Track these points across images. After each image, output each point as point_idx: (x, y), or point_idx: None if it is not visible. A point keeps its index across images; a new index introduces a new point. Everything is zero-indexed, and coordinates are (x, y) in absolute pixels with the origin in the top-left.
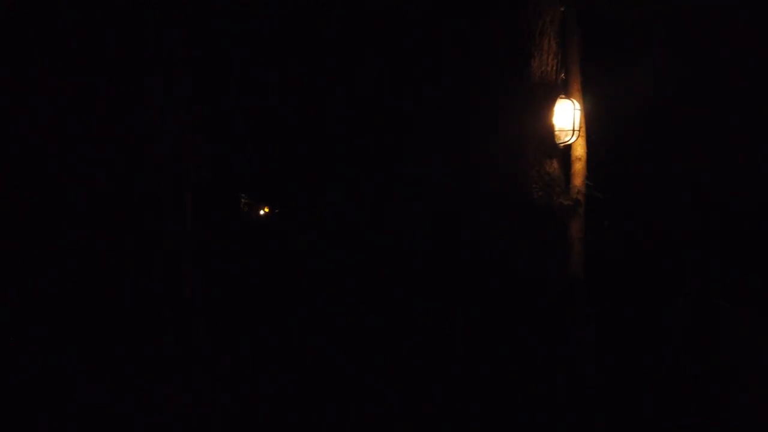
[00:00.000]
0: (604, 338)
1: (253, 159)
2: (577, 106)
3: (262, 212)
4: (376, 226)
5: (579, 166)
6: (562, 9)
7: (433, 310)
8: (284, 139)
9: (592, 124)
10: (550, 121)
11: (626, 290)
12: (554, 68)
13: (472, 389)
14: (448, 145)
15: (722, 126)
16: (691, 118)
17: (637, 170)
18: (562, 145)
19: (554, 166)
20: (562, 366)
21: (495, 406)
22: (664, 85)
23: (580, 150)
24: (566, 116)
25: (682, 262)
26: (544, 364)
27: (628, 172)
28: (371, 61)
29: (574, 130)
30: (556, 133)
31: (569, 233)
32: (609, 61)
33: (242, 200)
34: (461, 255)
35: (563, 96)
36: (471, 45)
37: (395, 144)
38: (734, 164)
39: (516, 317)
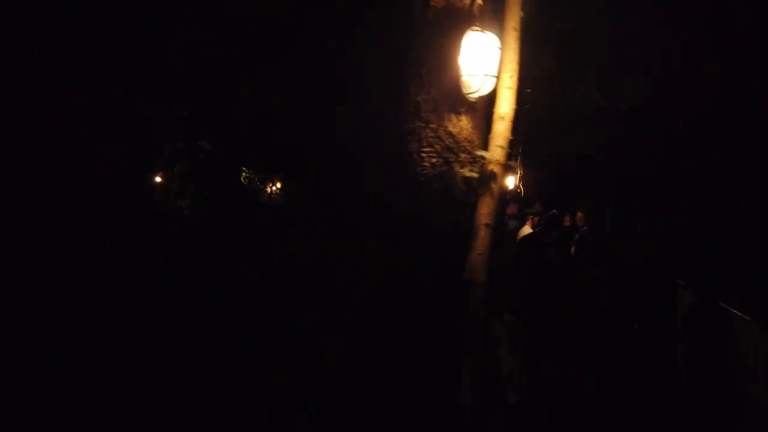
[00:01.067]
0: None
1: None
2: (497, 42)
3: (273, 188)
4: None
5: (501, 127)
6: None
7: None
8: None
9: (532, 74)
10: (455, 62)
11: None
12: None
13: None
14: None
15: None
16: None
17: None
18: (473, 96)
19: (462, 124)
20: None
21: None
22: None
23: (505, 105)
24: (481, 56)
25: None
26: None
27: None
28: None
29: (487, 76)
30: (464, 79)
31: (475, 216)
32: None
33: (244, 173)
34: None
35: (477, 27)
36: None
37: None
38: None
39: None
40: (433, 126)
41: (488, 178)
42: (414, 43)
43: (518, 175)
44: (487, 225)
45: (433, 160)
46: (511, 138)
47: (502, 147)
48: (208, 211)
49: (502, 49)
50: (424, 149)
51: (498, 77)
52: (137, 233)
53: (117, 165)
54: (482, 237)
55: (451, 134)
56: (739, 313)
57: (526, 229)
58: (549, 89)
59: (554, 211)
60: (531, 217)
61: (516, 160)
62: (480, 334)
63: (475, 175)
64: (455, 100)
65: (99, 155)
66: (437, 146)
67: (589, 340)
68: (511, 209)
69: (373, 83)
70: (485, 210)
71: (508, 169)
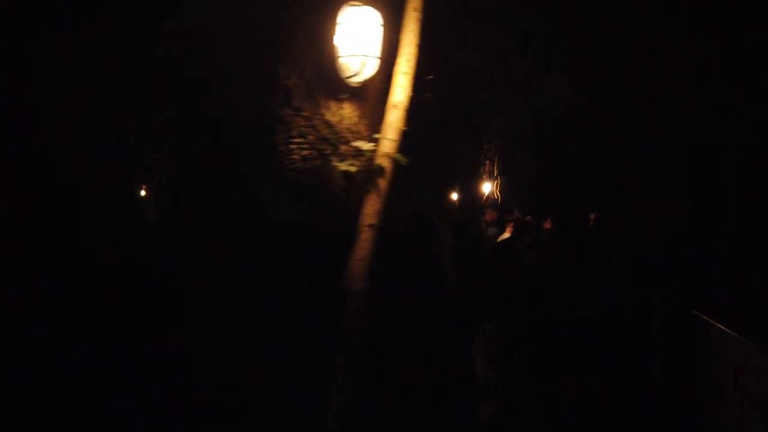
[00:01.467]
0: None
1: None
2: (379, 19)
3: None
4: None
5: (394, 117)
6: None
7: None
8: None
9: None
10: (330, 41)
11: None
12: None
13: None
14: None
15: None
16: None
17: None
18: (355, 80)
19: (344, 113)
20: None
21: None
22: None
23: (400, 93)
24: (360, 35)
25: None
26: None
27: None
28: None
29: (368, 57)
30: (341, 61)
31: (360, 216)
32: None
33: None
34: None
35: (356, 2)
36: None
37: None
38: None
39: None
40: (306, 114)
41: (375, 173)
42: (283, 18)
43: (496, 181)
44: (371, 226)
45: (305, 152)
46: (483, 139)
47: (392, 139)
48: (209, 211)
49: (401, 30)
50: (294, 140)
51: (382, 59)
52: (135, 233)
53: (117, 165)
54: (365, 239)
55: (328, 123)
56: (711, 320)
57: (506, 236)
58: (518, 90)
59: (528, 217)
60: (510, 223)
61: (493, 164)
62: (357, 354)
63: (353, 169)
64: (334, 85)
65: (99, 155)
66: (310, 137)
67: (561, 345)
68: (489, 216)
69: (239, 62)
70: (370, 209)
71: (396, 162)
